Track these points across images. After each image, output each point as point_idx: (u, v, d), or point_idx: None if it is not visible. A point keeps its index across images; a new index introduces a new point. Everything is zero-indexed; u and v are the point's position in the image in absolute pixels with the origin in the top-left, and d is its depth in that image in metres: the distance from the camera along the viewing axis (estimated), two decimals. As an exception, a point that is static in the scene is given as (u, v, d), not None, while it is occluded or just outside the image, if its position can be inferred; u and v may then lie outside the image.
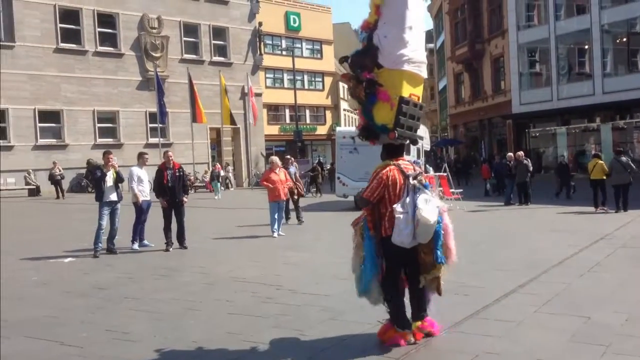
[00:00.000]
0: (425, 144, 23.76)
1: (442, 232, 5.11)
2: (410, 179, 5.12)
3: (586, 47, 33.81)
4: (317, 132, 52.45)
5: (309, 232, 13.72)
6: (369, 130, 5.43)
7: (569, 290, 7.11)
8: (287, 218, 15.05)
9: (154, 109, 31.08)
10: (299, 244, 11.82)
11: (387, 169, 5.19)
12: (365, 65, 5.26)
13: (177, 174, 11.38)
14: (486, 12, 41.66)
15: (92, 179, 14.52)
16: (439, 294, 5.40)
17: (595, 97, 32.53)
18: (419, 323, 5.34)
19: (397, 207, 5.00)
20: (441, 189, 19.26)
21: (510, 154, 21.46)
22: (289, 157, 17.22)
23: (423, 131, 23.73)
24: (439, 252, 5.08)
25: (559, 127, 35.93)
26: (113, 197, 10.90)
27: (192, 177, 31.82)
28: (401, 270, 5.29)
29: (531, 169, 19.50)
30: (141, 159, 11.95)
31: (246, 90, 35.52)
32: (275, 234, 12.82)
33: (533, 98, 36.06)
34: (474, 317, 6.00)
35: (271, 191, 12.98)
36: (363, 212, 5.36)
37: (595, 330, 5.50)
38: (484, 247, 10.93)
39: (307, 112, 51.93)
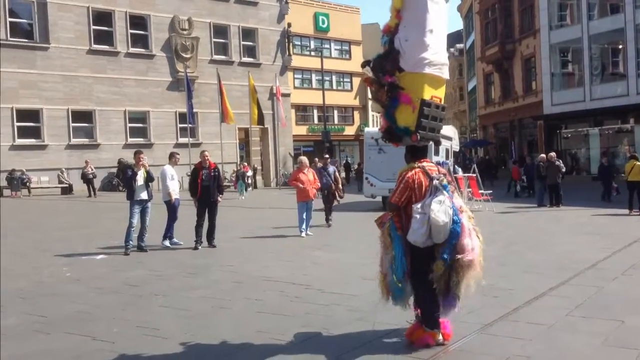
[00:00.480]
0: (454, 144, 23.57)
1: (458, 233, 5.07)
2: (436, 181, 5.15)
3: (620, 46, 33.16)
4: (345, 133, 52.42)
5: (337, 232, 13.72)
6: (391, 133, 5.47)
7: (601, 294, 6.99)
8: (328, 220, 14.99)
9: (183, 109, 31.41)
10: (327, 244, 11.83)
11: (413, 172, 5.22)
12: (386, 69, 5.30)
13: (213, 173, 11.51)
14: (517, 11, 41.16)
15: (123, 178, 14.74)
16: (463, 298, 5.23)
17: (629, 98, 31.88)
18: None
19: (415, 207, 5.04)
20: (470, 190, 19.10)
21: (543, 155, 21.16)
22: (327, 156, 16.86)
23: (452, 132, 23.54)
24: (446, 251, 5.04)
25: (592, 128, 35.31)
26: (143, 195, 11.05)
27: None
28: (427, 268, 5.18)
29: (563, 170, 19.21)
30: (173, 158, 12.20)
31: (274, 91, 35.66)
32: (303, 234, 12.86)
33: (565, 99, 35.50)
34: (504, 319, 5.94)
35: (300, 191, 13.03)
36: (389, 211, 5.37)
37: (629, 334, 5.40)
38: (514, 248, 10.80)
39: (335, 112, 51.96)
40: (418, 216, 5.00)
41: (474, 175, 19.47)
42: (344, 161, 43.14)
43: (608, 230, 12.97)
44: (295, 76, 47.85)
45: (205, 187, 11.41)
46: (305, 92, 48.29)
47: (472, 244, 5.14)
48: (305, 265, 9.50)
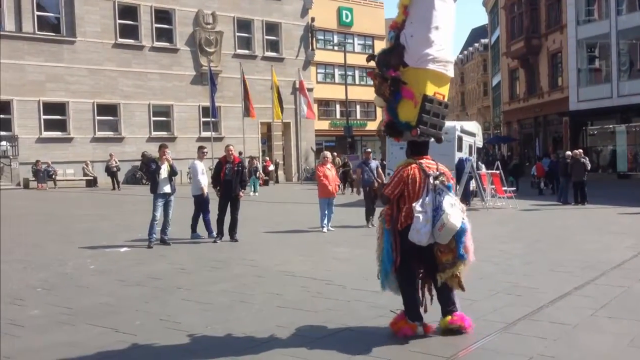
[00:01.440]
0: (478, 141, 23.34)
1: (466, 231, 5.24)
2: (431, 178, 5.23)
3: (649, 42, 32.50)
4: (367, 128, 52.21)
5: (359, 228, 13.68)
6: (393, 128, 5.56)
7: (628, 294, 6.86)
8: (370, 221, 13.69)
9: (207, 103, 31.57)
10: (349, 240, 11.80)
11: (408, 167, 5.34)
12: (391, 64, 5.38)
13: (236, 168, 11.56)
14: (544, 6, 40.56)
15: (146, 172, 14.93)
16: (462, 289, 5.40)
17: (658, 95, 31.28)
18: (448, 318, 5.37)
19: (417, 206, 5.12)
20: (494, 187, 18.91)
21: (569, 152, 20.86)
22: (369, 150, 15.56)
23: (475, 128, 23.31)
24: (461, 250, 5.20)
25: (619, 125, 34.68)
26: (167, 189, 11.12)
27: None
28: (415, 264, 5.40)
29: (589, 167, 18.92)
30: (200, 152, 12.25)
31: (297, 85, 35.66)
32: (325, 229, 12.85)
33: (592, 95, 34.94)
34: (528, 319, 5.86)
35: (322, 187, 13.00)
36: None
37: (657, 336, 5.29)
38: (538, 246, 10.67)
39: (358, 107, 51.76)
40: (420, 216, 5.08)
41: (498, 172, 19.26)
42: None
43: (635, 229, 12.75)
44: (318, 71, 47.75)
45: (228, 181, 11.47)
46: (328, 86, 48.18)
47: (471, 247, 5.33)
48: (326, 260, 9.49)
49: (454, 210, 5.11)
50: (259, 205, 20.45)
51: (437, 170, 5.38)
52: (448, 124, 21.44)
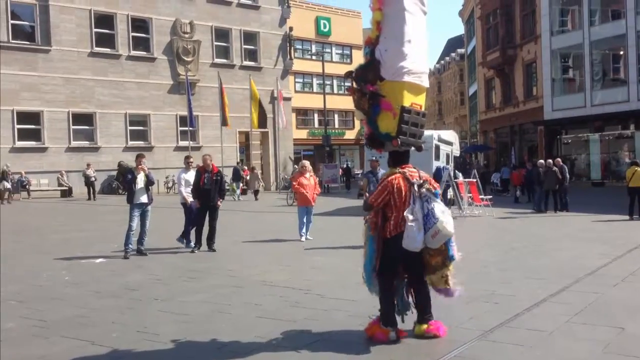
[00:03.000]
0: (455, 149, 23.56)
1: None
2: (416, 186, 5.40)
3: (621, 52, 33.17)
4: (346, 137, 52.47)
5: (337, 236, 13.69)
6: (374, 139, 5.76)
7: (602, 300, 6.97)
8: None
9: (184, 112, 31.42)
10: (327, 247, 11.81)
11: (393, 176, 5.49)
12: (368, 79, 5.59)
13: (215, 177, 11.55)
14: (519, 17, 41.21)
15: (123, 181, 14.83)
16: (449, 287, 5.54)
17: (630, 104, 31.88)
18: (424, 326, 5.52)
19: (408, 215, 5.29)
20: (470, 195, 19.08)
21: (542, 160, 21.14)
22: (374, 158, 12.42)
23: (453, 137, 23.53)
24: (452, 252, 5.45)
25: (592, 134, 35.30)
26: (143, 199, 11.05)
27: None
28: (395, 269, 5.56)
29: (565, 176, 19.13)
30: (186, 162, 12.31)
31: (275, 95, 35.69)
32: (303, 238, 12.85)
33: (566, 104, 35.51)
34: (505, 326, 5.92)
35: (301, 196, 13.02)
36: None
37: (630, 341, 5.38)
38: (514, 254, 10.78)
39: (336, 116, 52.00)
40: (413, 224, 5.25)
41: (474, 180, 19.46)
42: (344, 165, 43.01)
43: (608, 236, 12.96)
44: (297, 80, 47.92)
45: (206, 190, 11.45)
46: (306, 96, 48.36)
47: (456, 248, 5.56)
48: (305, 269, 9.49)
49: (446, 217, 5.31)
50: (237, 215, 20.37)
51: (420, 177, 5.54)
52: (425, 132, 21.62)
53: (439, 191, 5.53)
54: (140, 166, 11.04)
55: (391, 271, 5.51)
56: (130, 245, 10.95)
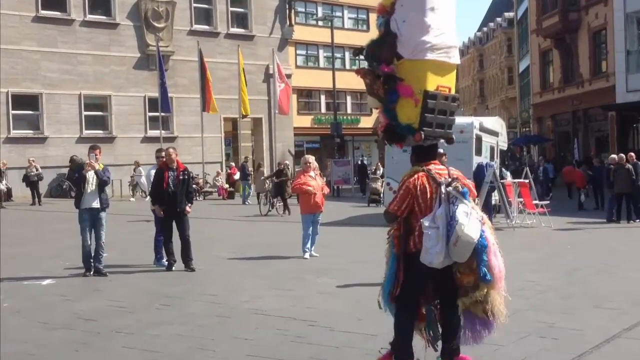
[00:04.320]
0: (502, 141, 23.52)
1: (487, 246, 5.41)
2: (443, 187, 5.44)
3: None
4: (361, 125, 52.35)
5: (351, 252, 13.68)
6: (392, 132, 5.79)
7: (692, 336, 6.94)
8: None
9: (155, 93, 31.50)
10: (337, 267, 11.80)
11: (415, 176, 5.55)
12: (382, 57, 5.60)
13: (181, 177, 11.57)
14: (583, -29, 41.08)
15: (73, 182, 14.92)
16: (494, 317, 5.50)
17: None
18: None
19: (425, 222, 5.33)
20: (522, 200, 19.03)
21: (614, 155, 21.01)
22: (441, 150, 12.61)
23: (498, 125, 23.49)
24: (484, 269, 5.37)
25: (679, 122, 35.16)
26: (95, 204, 11.04)
27: (200, 180, 32.15)
28: (420, 294, 5.60)
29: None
30: (158, 157, 12.30)
31: (272, 71, 35.73)
32: (307, 255, 12.83)
33: (644, 83, 35.35)
34: (567, 369, 5.90)
35: (305, 200, 12.98)
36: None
37: None
38: (578, 276, 10.76)
39: (349, 99, 51.92)
40: (430, 232, 5.29)
41: (527, 181, 19.40)
42: (359, 162, 42.99)
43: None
44: (298, 52, 47.89)
45: (172, 194, 11.44)
46: (311, 72, 48.30)
47: (499, 264, 5.48)
48: (309, 295, 9.48)
49: (469, 219, 5.29)
50: (222, 224, 20.38)
51: (450, 176, 5.56)
52: (464, 120, 21.59)
53: (468, 189, 5.53)
54: (89, 162, 11.03)
55: (414, 293, 5.55)
56: (91, 261, 11.00)
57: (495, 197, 18.85)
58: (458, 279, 5.44)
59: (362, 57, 5.81)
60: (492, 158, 20.60)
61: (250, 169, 31.51)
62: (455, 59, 5.80)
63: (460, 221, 5.24)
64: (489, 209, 18.44)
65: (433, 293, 5.67)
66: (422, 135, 5.52)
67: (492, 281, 5.40)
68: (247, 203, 28.53)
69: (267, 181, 25.05)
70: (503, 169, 21.97)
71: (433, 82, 5.60)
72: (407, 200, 5.48)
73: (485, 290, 5.40)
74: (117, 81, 33.27)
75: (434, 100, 5.55)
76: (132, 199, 29.78)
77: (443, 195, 5.40)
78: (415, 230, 5.47)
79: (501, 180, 18.69)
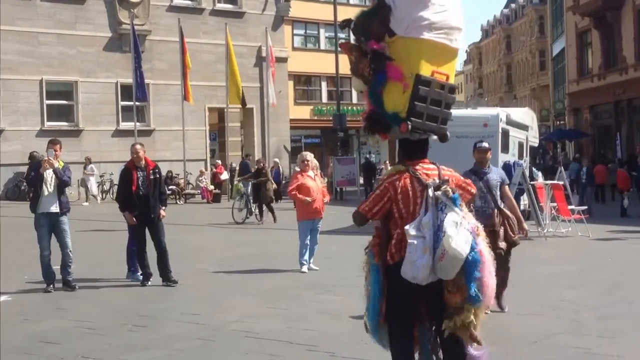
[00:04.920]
0: (532, 136, 23.52)
1: (479, 262, 5.34)
2: (430, 189, 5.38)
3: None
4: (368, 117, 52.42)
5: (356, 265, 13.65)
6: (377, 120, 5.74)
7: None
8: None
9: (129, 79, 31.48)
10: (340, 283, 11.79)
11: (396, 176, 5.55)
12: (371, 31, 5.57)
13: (152, 176, 11.57)
14: (628, -62, 41.09)
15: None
16: (478, 343, 5.49)
17: None
18: None
19: (410, 230, 5.28)
20: (555, 205, 19.02)
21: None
22: (486, 145, 10.06)
23: (529, 117, 23.50)
24: (473, 287, 5.31)
25: None
26: (53, 207, 11.05)
27: (181, 181, 32.16)
28: (412, 312, 5.55)
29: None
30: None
31: (264, 54, 35.72)
32: (305, 268, 12.84)
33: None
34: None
35: (303, 205, 12.97)
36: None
37: None
38: (620, 294, 10.76)
39: (354, 86, 51.98)
40: (415, 241, 5.24)
41: (561, 183, 19.39)
42: (364, 159, 42.91)
43: None
44: (296, 32, 47.88)
45: (142, 197, 11.46)
46: (310, 55, 48.24)
47: (492, 284, 5.45)
48: (308, 315, 9.49)
49: (458, 231, 5.22)
50: (206, 232, 20.38)
51: (440, 177, 5.52)
52: (489, 111, 21.59)
53: (459, 194, 5.45)
54: (46, 159, 11.01)
55: (405, 314, 5.51)
56: (52, 274, 11.02)
57: (524, 202, 18.83)
58: (446, 298, 5.40)
59: (348, 29, 5.79)
60: (520, 156, 20.61)
61: (219, 167, 31.49)
62: (457, 42, 5.75)
63: (448, 233, 5.18)
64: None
65: (427, 312, 5.61)
66: (409, 126, 5.45)
67: (481, 302, 5.38)
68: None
69: (242, 183, 24.49)
70: (534, 169, 21.98)
71: (428, 67, 5.56)
72: (382, 203, 5.50)
73: (472, 313, 5.36)
74: (84, 65, 33.23)
75: (427, 87, 5.51)
76: (85, 203, 29.65)
77: (430, 200, 5.36)
78: (392, 238, 5.47)
79: (531, 182, 18.69)
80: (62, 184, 11.10)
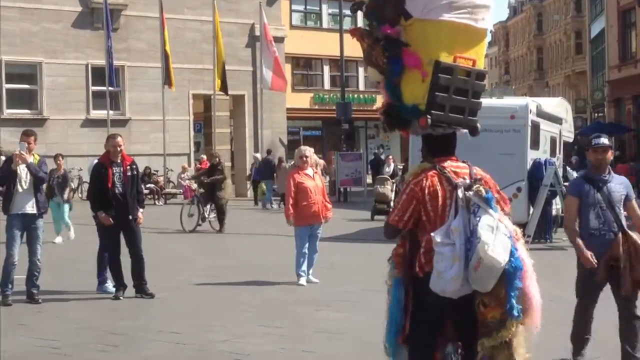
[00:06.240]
0: (567, 130, 23.53)
1: (521, 269, 5.31)
2: (460, 190, 5.38)
3: None
4: (377, 106, 52.40)
5: (361, 277, 13.71)
6: (394, 114, 5.77)
7: None
8: None
9: (101, 60, 31.51)
10: (343, 297, 11.83)
11: (423, 176, 5.52)
12: (385, 15, 5.55)
13: (129, 173, 11.63)
14: None
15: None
16: None
17: None
18: None
19: (436, 237, 5.26)
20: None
21: None
22: (605, 141, 9.05)
23: (563, 109, 23.50)
24: (513, 301, 5.26)
25: None
26: (29, 208, 11.08)
27: (161, 178, 32.17)
28: (438, 329, 5.55)
29: None
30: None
31: (258, 33, 35.73)
32: (303, 280, 12.86)
33: None
34: None
35: (300, 207, 12.99)
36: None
37: None
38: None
39: (361, 71, 51.89)
40: (443, 250, 5.23)
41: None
42: (372, 155, 42.90)
43: None
44: (294, 7, 47.93)
45: (119, 196, 11.51)
46: (310, 35, 48.30)
47: (536, 295, 5.40)
48: (306, 334, 9.51)
49: (494, 236, 5.20)
50: (189, 239, 20.40)
51: (471, 176, 5.52)
52: (516, 101, 21.54)
53: (493, 194, 5.44)
54: (18, 152, 11.02)
55: (430, 333, 5.52)
56: (9, 286, 10.99)
57: (556, 206, 18.82)
58: (481, 313, 5.36)
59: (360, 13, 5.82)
60: (553, 153, 20.61)
61: (204, 162, 31.54)
62: (483, 22, 5.73)
63: (484, 239, 5.16)
64: (549, 221, 18.49)
65: (453, 331, 5.61)
66: (429, 120, 5.44)
67: (523, 317, 5.34)
68: (271, 206, 29.22)
69: (194, 182, 24.08)
70: (568, 168, 21.99)
71: (449, 51, 5.54)
72: (412, 207, 5.46)
73: (514, 329, 5.31)
74: (50, 44, 33.28)
75: (449, 75, 5.49)
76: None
77: (461, 202, 5.36)
78: (421, 247, 5.44)
79: (565, 183, 18.70)
80: (38, 181, 11.12)
